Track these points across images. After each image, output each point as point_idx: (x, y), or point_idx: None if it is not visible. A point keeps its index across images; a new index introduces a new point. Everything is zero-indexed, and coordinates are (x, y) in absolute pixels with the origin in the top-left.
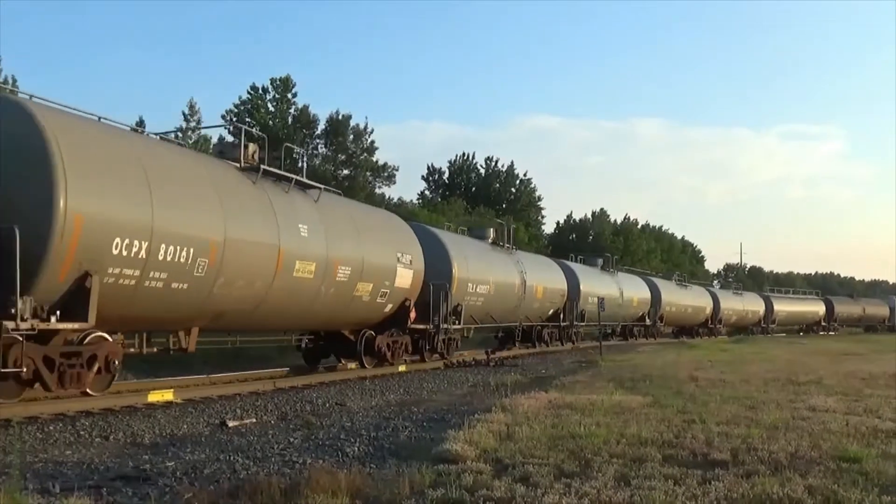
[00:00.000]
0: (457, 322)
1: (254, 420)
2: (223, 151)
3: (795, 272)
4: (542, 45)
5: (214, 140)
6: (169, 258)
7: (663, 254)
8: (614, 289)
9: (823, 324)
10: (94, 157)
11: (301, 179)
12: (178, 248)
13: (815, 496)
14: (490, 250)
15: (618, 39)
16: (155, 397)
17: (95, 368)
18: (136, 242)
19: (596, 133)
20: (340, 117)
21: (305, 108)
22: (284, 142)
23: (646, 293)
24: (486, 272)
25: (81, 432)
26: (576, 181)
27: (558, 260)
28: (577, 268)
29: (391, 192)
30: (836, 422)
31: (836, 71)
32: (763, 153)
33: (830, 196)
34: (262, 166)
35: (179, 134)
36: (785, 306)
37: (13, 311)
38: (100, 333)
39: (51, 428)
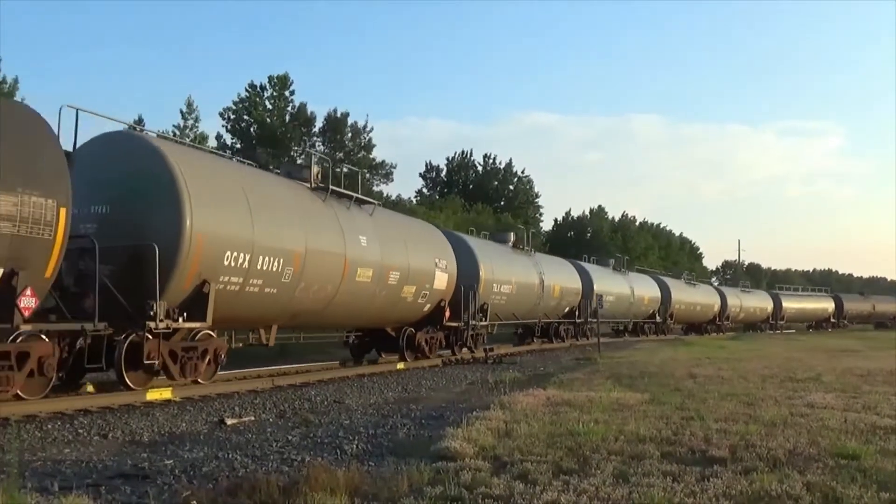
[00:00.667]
0: (483, 319)
1: (252, 418)
2: (290, 173)
3: (794, 269)
4: (539, 42)
5: (212, 138)
6: (264, 268)
7: (661, 251)
8: (626, 288)
9: (833, 320)
10: (209, 186)
11: (359, 196)
12: (272, 258)
13: (813, 493)
14: (511, 253)
15: (614, 36)
16: (153, 395)
17: (207, 360)
18: (241, 255)
19: (593, 130)
20: (338, 115)
21: (303, 105)
22: (282, 139)
23: (656, 292)
24: (508, 273)
25: (80, 430)
26: (573, 178)
27: (573, 261)
28: (591, 268)
29: (389, 190)
30: (835, 418)
31: (834, 67)
32: (761, 150)
33: (829, 193)
34: (331, 187)
35: (177, 131)
36: (794, 303)
37: (152, 312)
38: (208, 331)
39: (49, 426)
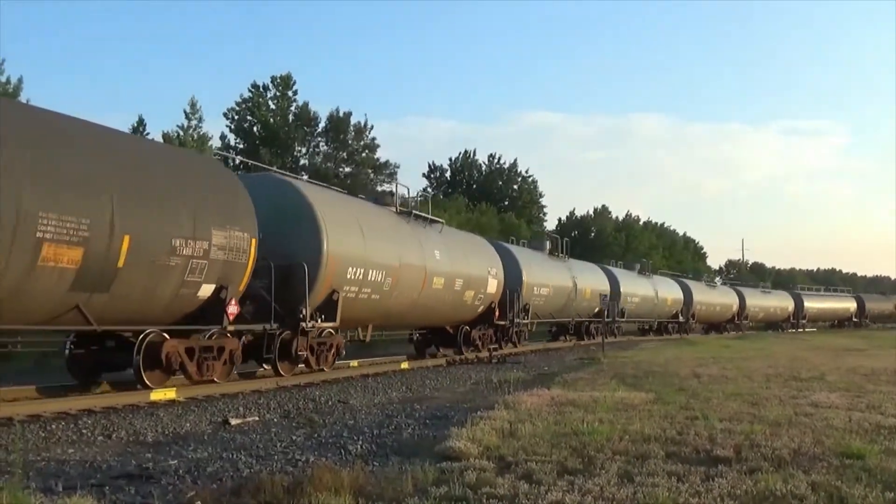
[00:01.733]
0: (526, 318)
1: (256, 418)
2: (377, 199)
3: (798, 268)
4: (542, 42)
5: (216, 138)
6: (372, 279)
7: (665, 250)
8: (650, 290)
9: (855, 320)
10: (336, 217)
11: (433, 218)
12: (377, 271)
13: (818, 492)
14: (548, 259)
15: (618, 35)
16: (157, 395)
17: (333, 352)
18: (358, 270)
19: (596, 129)
20: (341, 115)
21: (306, 105)
22: (285, 139)
23: (678, 293)
24: (546, 277)
25: (84, 431)
26: (577, 177)
27: (602, 265)
28: (618, 272)
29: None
30: (839, 418)
31: (836, 66)
32: (763, 149)
33: (831, 191)
34: (413, 211)
35: (180, 133)
36: (815, 303)
37: (301, 315)
38: (330, 329)
39: (53, 426)
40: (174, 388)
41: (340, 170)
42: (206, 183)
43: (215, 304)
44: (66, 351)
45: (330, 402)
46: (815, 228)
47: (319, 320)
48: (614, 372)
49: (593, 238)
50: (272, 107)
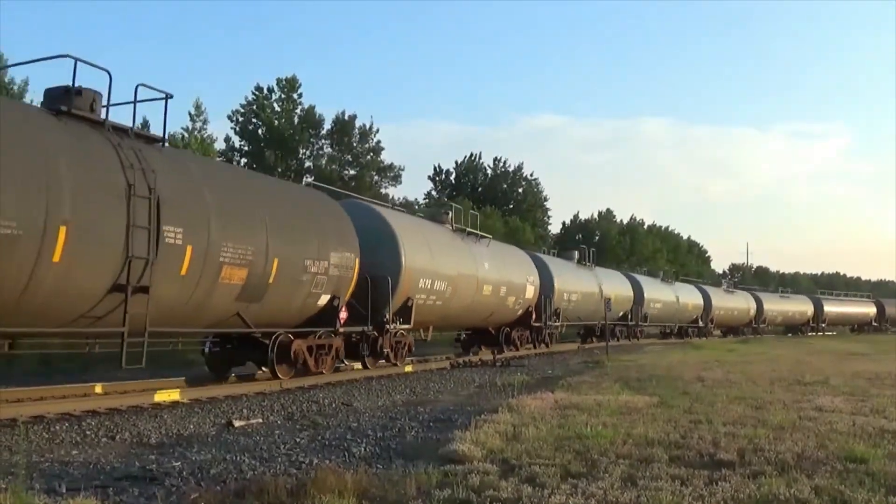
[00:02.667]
0: (557, 320)
1: (260, 420)
2: (434, 217)
3: (802, 272)
4: (548, 45)
5: (220, 140)
6: (437, 287)
7: (669, 254)
8: (672, 296)
9: (874, 324)
10: (410, 236)
11: (482, 234)
12: (441, 281)
13: (821, 496)
14: (577, 268)
15: (623, 39)
16: (161, 397)
17: (406, 349)
18: (427, 280)
19: (601, 132)
20: (346, 117)
21: (311, 108)
22: (290, 141)
23: (699, 299)
24: (575, 284)
25: (87, 432)
26: (581, 181)
27: (627, 273)
28: (642, 279)
29: (397, 193)
30: (843, 422)
31: (840, 69)
32: (768, 152)
33: (835, 195)
34: (467, 228)
35: (185, 135)
36: (835, 307)
37: (385, 319)
38: (403, 330)
39: (57, 427)
40: (178, 390)
41: (345, 172)
42: (324, 213)
43: (329, 311)
44: (206, 350)
45: (333, 405)
46: (819, 232)
47: (398, 323)
48: (618, 375)
49: (597, 241)
50: (277, 109)
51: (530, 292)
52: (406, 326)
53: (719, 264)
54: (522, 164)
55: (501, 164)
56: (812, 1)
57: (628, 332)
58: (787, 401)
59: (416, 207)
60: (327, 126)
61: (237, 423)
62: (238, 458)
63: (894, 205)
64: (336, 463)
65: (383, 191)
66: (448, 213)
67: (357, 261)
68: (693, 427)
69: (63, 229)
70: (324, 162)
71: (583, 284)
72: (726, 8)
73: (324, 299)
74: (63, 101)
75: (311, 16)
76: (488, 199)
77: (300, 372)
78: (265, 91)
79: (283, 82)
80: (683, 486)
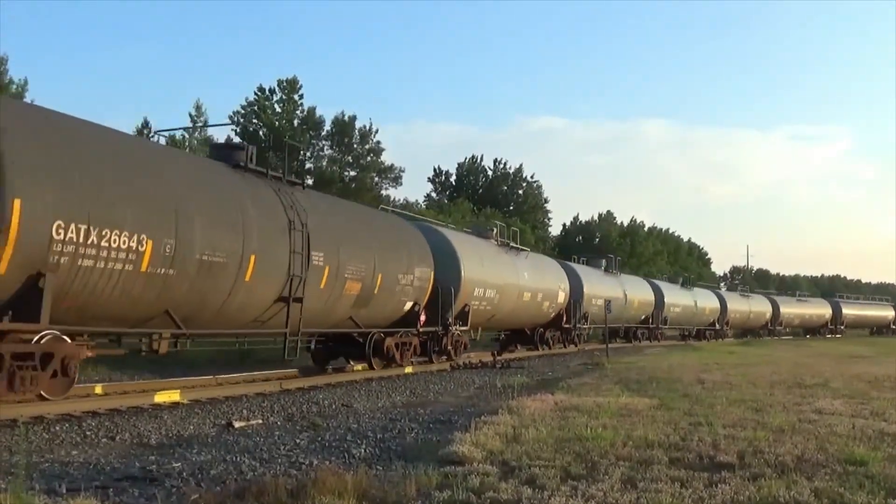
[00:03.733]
0: (585, 322)
1: (260, 421)
2: (480, 233)
3: (802, 274)
4: (548, 47)
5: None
6: (488, 295)
7: (670, 256)
8: (690, 301)
9: (893, 327)
10: (467, 252)
11: (521, 247)
12: (491, 290)
13: (821, 499)
14: (603, 275)
15: (623, 40)
16: (161, 398)
17: (462, 347)
18: (480, 289)
19: (601, 134)
20: (346, 118)
21: (312, 109)
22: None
23: (715, 303)
24: (602, 290)
25: (88, 433)
26: (581, 182)
27: (649, 280)
28: (663, 284)
29: (397, 194)
30: (843, 425)
31: (841, 71)
32: (768, 154)
33: (836, 197)
34: (509, 243)
35: (185, 135)
36: (853, 310)
37: (450, 321)
38: (460, 331)
39: (57, 428)
40: (178, 391)
41: (345, 173)
42: (409, 237)
43: (411, 315)
44: (312, 347)
45: (333, 406)
46: (820, 235)
47: (458, 325)
48: (618, 377)
49: (598, 243)
50: (278, 110)
51: (561, 297)
52: (464, 328)
53: (719, 266)
54: (522, 165)
55: (502, 166)
56: (813, 3)
57: (650, 334)
58: (786, 403)
59: (417, 209)
60: (328, 127)
61: (237, 424)
62: (238, 459)
63: (895, 208)
64: (336, 464)
65: (384, 192)
66: (493, 230)
67: (432, 274)
68: (693, 429)
69: (253, 257)
70: (324, 163)
71: (609, 290)
72: (727, 9)
73: (408, 305)
74: (227, 154)
75: (311, 17)
76: (488, 200)
77: (385, 364)
78: (266, 92)
79: (284, 83)
80: (683, 488)
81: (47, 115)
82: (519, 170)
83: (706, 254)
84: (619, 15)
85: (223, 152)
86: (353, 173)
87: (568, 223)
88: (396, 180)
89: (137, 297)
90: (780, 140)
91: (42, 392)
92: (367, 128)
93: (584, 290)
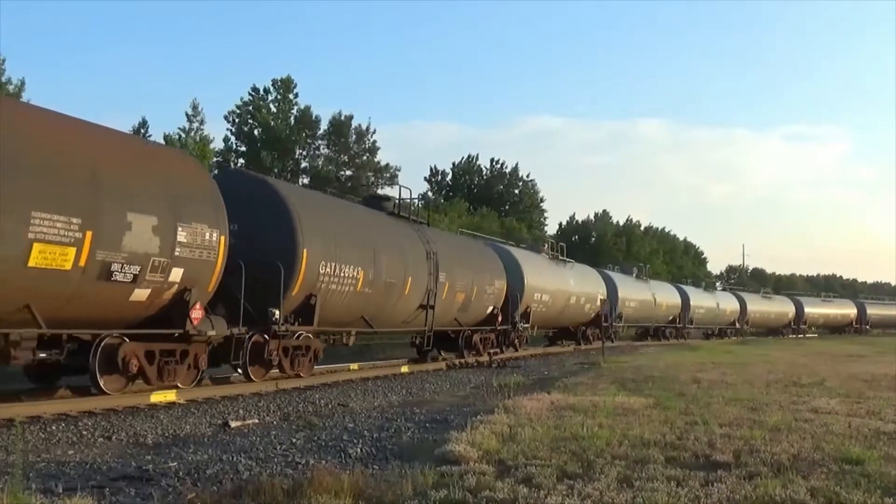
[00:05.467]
0: (620, 322)
1: (256, 421)
2: (532, 246)
3: (798, 274)
4: (545, 46)
5: (218, 140)
6: (544, 299)
7: (666, 255)
8: (713, 303)
9: None
10: (529, 265)
11: (567, 259)
12: (546, 294)
13: (817, 498)
14: (634, 280)
15: (620, 40)
16: (158, 398)
17: (524, 341)
18: (539, 294)
19: (598, 134)
20: (342, 118)
21: (307, 108)
22: (286, 142)
23: (735, 305)
24: (634, 293)
25: (84, 432)
26: (578, 182)
27: (676, 284)
28: (688, 289)
29: (393, 193)
30: (839, 424)
31: (840, 72)
32: (765, 154)
33: (833, 198)
34: (558, 256)
35: (182, 134)
36: (878, 311)
37: (516, 320)
38: (523, 327)
39: (53, 428)
40: (174, 391)
41: (341, 173)
42: (489, 257)
43: (491, 316)
44: (416, 341)
45: (330, 406)
46: (816, 234)
47: (522, 322)
48: (614, 377)
49: (594, 243)
50: (273, 110)
51: (599, 300)
52: (526, 325)
53: (716, 266)
54: (518, 164)
55: (498, 166)
56: (812, 3)
57: (676, 333)
58: (783, 402)
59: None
60: (324, 127)
61: (233, 424)
62: (234, 459)
63: (892, 208)
64: (332, 463)
65: (379, 192)
66: (545, 245)
67: (505, 284)
68: (689, 428)
69: (409, 279)
70: (320, 162)
71: (640, 294)
72: (725, 10)
73: (490, 308)
74: (379, 203)
75: (306, 17)
76: (485, 199)
77: (471, 355)
78: (261, 92)
79: (279, 83)
80: (679, 487)
81: (314, 196)
82: (515, 169)
83: (702, 253)
84: (617, 14)
85: (377, 202)
86: (348, 173)
87: (564, 222)
88: (392, 180)
89: (350, 308)
90: (777, 140)
91: (301, 373)
92: (363, 127)
93: (619, 293)
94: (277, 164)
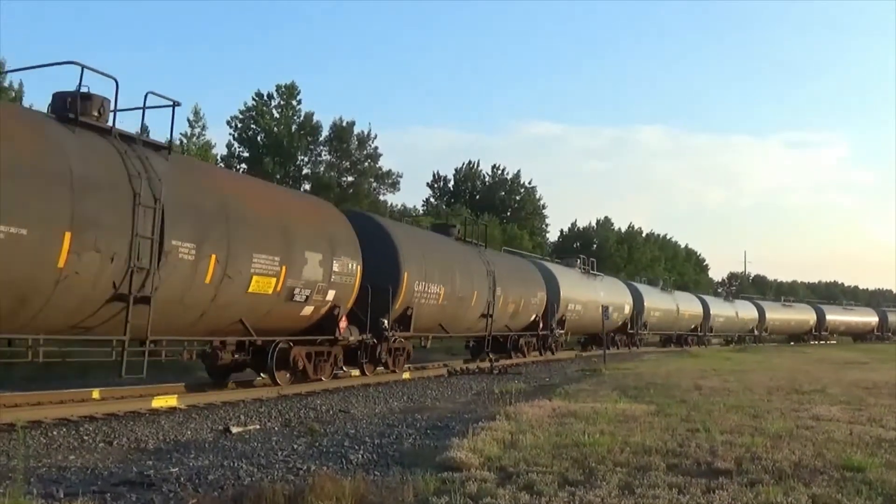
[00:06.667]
0: (645, 329)
1: (258, 426)
2: (569, 263)
3: (800, 280)
4: (545, 52)
5: (221, 146)
6: (577, 308)
7: (667, 262)
8: (732, 312)
9: None
10: (565, 281)
11: (597, 273)
12: (579, 304)
13: None
14: (659, 292)
15: (620, 46)
16: (159, 403)
17: (558, 346)
18: (573, 304)
19: (599, 140)
20: (344, 124)
21: (310, 114)
22: (288, 148)
23: (753, 313)
24: (659, 303)
25: (85, 437)
26: (579, 188)
27: (698, 295)
28: (709, 299)
29: (395, 199)
30: (840, 431)
31: (838, 78)
32: (766, 160)
33: (833, 204)
34: (590, 270)
35: (184, 140)
36: None
37: (552, 327)
38: (558, 332)
39: (55, 433)
40: (175, 396)
41: (343, 179)
42: (533, 271)
43: (535, 322)
44: (471, 344)
45: (331, 412)
46: (818, 241)
47: (559, 329)
48: (616, 383)
49: (595, 250)
50: (276, 115)
51: (626, 309)
52: (561, 331)
53: (717, 272)
54: (520, 171)
55: (500, 172)
56: (810, 10)
57: (698, 340)
58: (784, 409)
59: (415, 215)
60: (325, 133)
61: (234, 430)
62: (236, 465)
63: (893, 214)
64: (334, 470)
65: (381, 198)
66: (577, 260)
67: (545, 295)
68: (690, 435)
69: (475, 293)
70: (322, 169)
71: (664, 304)
72: (725, 16)
73: (533, 316)
74: (447, 230)
75: (310, 23)
76: (486, 206)
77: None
78: (264, 97)
79: (283, 89)
80: (681, 494)
81: (407, 228)
82: (517, 175)
83: (703, 260)
84: (617, 21)
85: (445, 229)
86: (350, 179)
87: (566, 229)
88: (394, 186)
89: (433, 317)
90: (776, 146)
91: (396, 369)
92: (366, 133)
93: (645, 304)
94: (279, 171)
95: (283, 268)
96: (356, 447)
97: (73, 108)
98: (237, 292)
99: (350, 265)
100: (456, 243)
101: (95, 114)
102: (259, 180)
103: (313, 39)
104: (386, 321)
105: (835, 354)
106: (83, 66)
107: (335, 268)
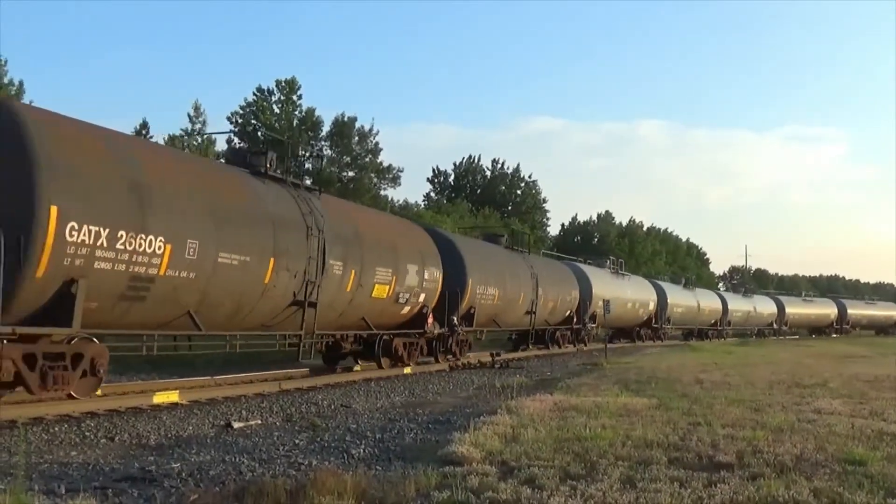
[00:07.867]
0: (668, 323)
1: (259, 422)
2: (599, 264)
3: (801, 274)
4: (546, 47)
5: (221, 143)
6: (604, 304)
7: (668, 256)
8: (751, 307)
9: None
10: (597, 278)
11: (626, 273)
12: (612, 301)
13: (820, 499)
14: (682, 290)
15: (621, 41)
16: (160, 398)
17: (590, 338)
18: (602, 301)
19: (599, 135)
20: (345, 119)
21: (311, 110)
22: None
23: (772, 308)
24: (681, 300)
25: (87, 433)
26: (580, 183)
27: (718, 291)
28: (727, 295)
29: (396, 194)
30: (842, 424)
31: (838, 73)
32: (766, 155)
33: (834, 198)
34: (618, 270)
35: (185, 136)
36: None
37: (586, 321)
38: (592, 326)
39: (56, 429)
40: (176, 391)
41: (344, 174)
42: (567, 272)
43: (570, 317)
44: (513, 336)
45: (332, 406)
46: (819, 235)
47: (591, 323)
48: (617, 378)
49: (596, 244)
50: (277, 111)
51: (651, 305)
52: (593, 325)
53: (718, 266)
54: (520, 165)
55: (500, 166)
56: (811, 5)
57: (717, 333)
58: (785, 403)
59: (416, 210)
60: (326, 128)
61: (236, 425)
62: (237, 460)
63: (893, 208)
64: (335, 464)
65: (382, 192)
66: (608, 261)
67: (578, 293)
68: (692, 429)
69: (522, 294)
70: (323, 164)
71: (686, 300)
72: (725, 12)
73: (567, 312)
74: (497, 238)
75: (311, 18)
76: (487, 200)
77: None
78: (265, 93)
79: (283, 84)
80: (682, 487)
81: (467, 239)
82: (517, 170)
83: (705, 254)
84: (617, 16)
85: (494, 238)
86: (351, 174)
87: (567, 223)
88: (395, 181)
89: (489, 314)
90: (777, 141)
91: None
92: (366, 128)
93: (668, 300)
94: (279, 166)
95: (394, 277)
96: (358, 442)
97: (253, 163)
98: (364, 297)
99: (435, 273)
100: (505, 251)
101: (268, 165)
102: (373, 210)
103: (314, 35)
104: (455, 318)
105: (837, 348)
106: (290, 144)
107: (426, 276)
